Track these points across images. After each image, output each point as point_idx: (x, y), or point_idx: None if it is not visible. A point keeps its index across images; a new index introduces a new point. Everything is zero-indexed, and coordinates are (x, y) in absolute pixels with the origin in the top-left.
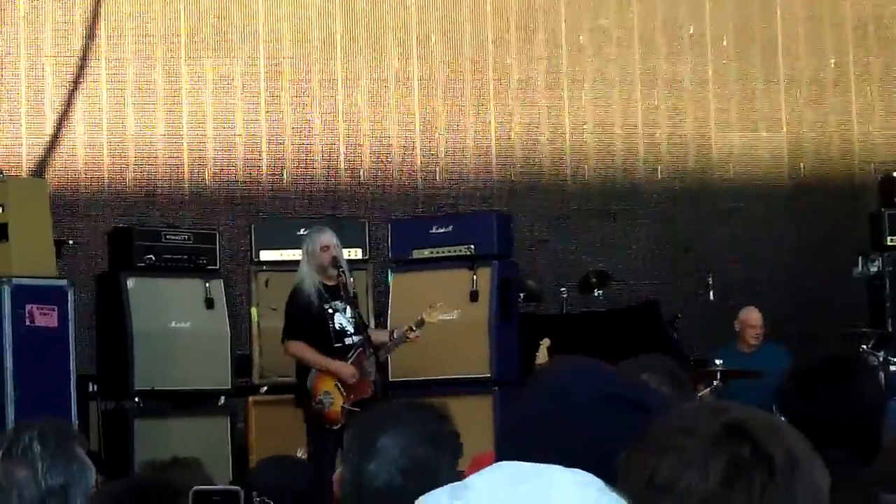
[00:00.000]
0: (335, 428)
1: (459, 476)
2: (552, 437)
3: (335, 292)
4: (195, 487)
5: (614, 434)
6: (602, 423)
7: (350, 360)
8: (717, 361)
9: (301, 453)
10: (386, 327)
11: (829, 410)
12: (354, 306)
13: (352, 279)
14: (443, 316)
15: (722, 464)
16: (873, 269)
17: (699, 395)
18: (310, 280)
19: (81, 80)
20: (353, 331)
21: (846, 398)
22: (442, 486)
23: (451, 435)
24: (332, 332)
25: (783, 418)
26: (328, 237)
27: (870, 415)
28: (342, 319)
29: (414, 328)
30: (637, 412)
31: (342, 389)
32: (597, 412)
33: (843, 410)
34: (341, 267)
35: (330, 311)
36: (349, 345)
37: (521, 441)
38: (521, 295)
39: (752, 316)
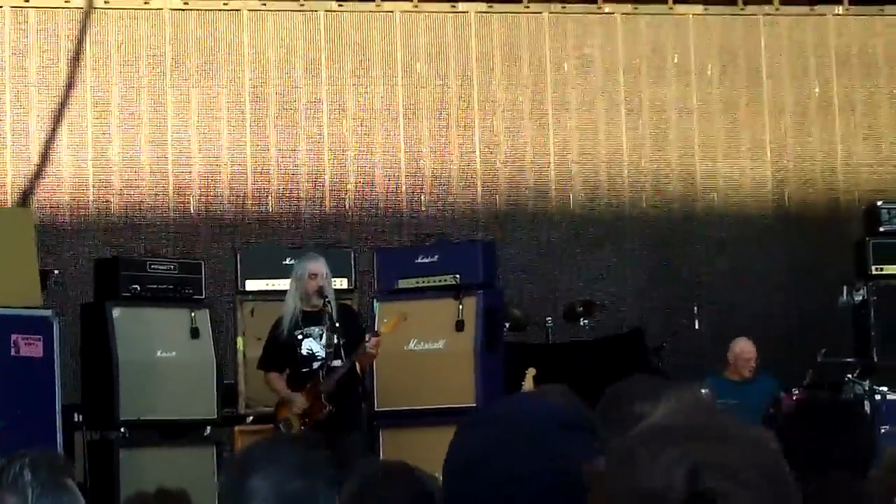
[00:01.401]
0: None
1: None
2: (505, 466)
3: (315, 318)
4: None
5: (554, 460)
6: (542, 450)
7: (308, 385)
8: (703, 391)
9: None
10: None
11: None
12: (335, 331)
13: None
14: (422, 344)
15: None
16: (858, 297)
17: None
18: (289, 305)
19: (66, 108)
20: (324, 356)
21: (846, 444)
22: None
23: (324, 462)
24: (300, 358)
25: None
26: (318, 265)
27: (864, 459)
28: (312, 344)
29: (368, 339)
30: (593, 436)
31: (297, 415)
32: (537, 440)
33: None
34: (327, 297)
35: (300, 336)
36: (315, 370)
37: (456, 474)
38: (507, 324)
39: (746, 348)
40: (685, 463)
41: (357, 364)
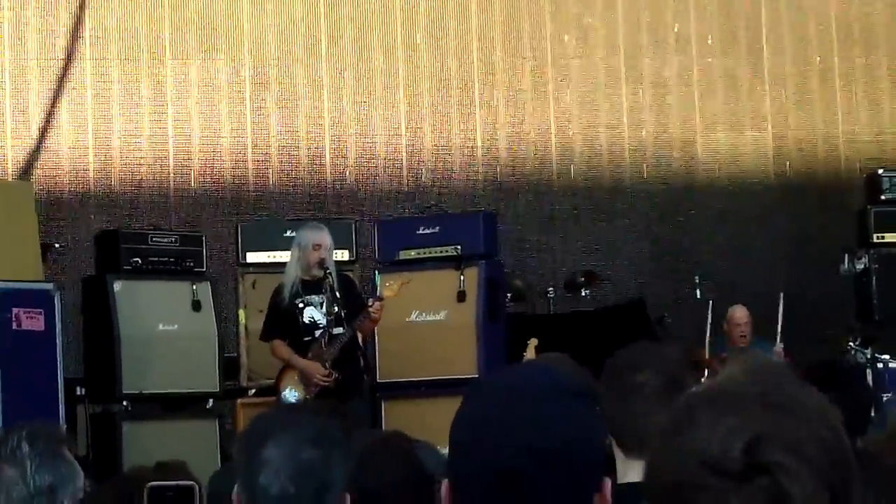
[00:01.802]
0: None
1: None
2: (495, 437)
3: (315, 287)
4: (150, 483)
5: (576, 426)
6: (552, 419)
7: (308, 354)
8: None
9: None
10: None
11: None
12: (335, 300)
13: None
14: (423, 315)
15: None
16: (859, 266)
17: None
18: (290, 274)
19: (66, 83)
20: (325, 323)
21: (844, 402)
22: (336, 485)
23: (335, 431)
24: (302, 325)
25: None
26: (322, 236)
27: (861, 417)
28: (314, 312)
29: (371, 303)
30: (591, 403)
31: (303, 382)
32: (547, 408)
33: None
34: (328, 268)
35: (301, 304)
36: (317, 338)
37: (466, 443)
38: (509, 295)
39: (736, 314)
40: (746, 432)
41: (359, 332)
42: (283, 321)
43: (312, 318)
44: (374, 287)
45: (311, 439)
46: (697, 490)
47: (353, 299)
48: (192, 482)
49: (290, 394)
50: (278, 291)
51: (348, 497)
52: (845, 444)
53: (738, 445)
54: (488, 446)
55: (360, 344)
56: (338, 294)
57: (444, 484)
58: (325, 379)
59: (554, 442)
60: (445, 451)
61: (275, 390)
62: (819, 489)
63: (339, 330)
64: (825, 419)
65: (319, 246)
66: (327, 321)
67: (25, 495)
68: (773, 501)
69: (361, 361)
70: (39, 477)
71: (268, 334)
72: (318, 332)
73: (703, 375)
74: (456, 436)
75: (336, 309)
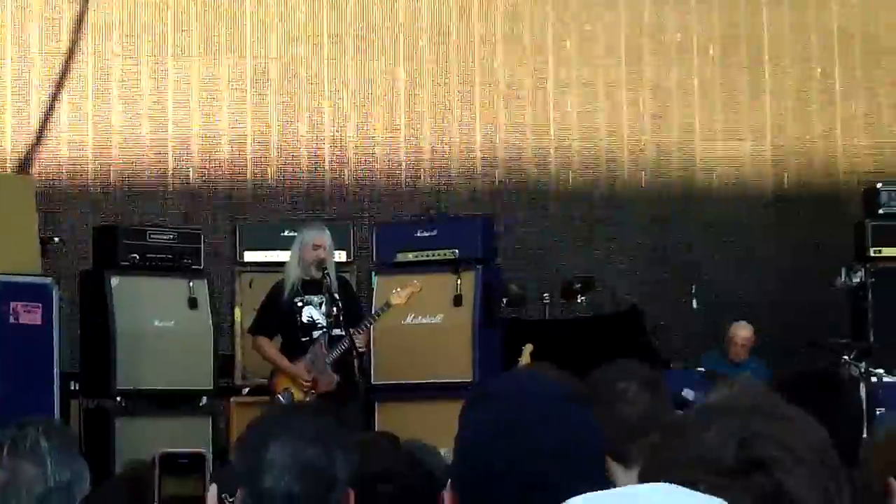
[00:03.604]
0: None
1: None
2: (513, 441)
3: (315, 287)
4: (161, 451)
5: (575, 432)
6: (563, 422)
7: (307, 355)
8: (700, 369)
9: None
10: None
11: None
12: (334, 302)
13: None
14: (419, 318)
15: (749, 502)
16: (856, 279)
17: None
18: (291, 273)
19: (67, 77)
20: (324, 324)
21: (829, 414)
22: (340, 484)
23: (336, 428)
24: (300, 325)
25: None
26: (322, 236)
27: (852, 427)
28: (313, 312)
29: (380, 312)
30: (589, 408)
31: (302, 385)
32: (557, 412)
33: (826, 425)
34: (326, 269)
35: (300, 304)
36: (317, 338)
37: (481, 449)
38: (505, 300)
39: (738, 333)
40: (739, 432)
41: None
42: (278, 318)
43: (311, 317)
44: (371, 289)
45: (313, 438)
46: (694, 488)
47: (350, 302)
48: (202, 450)
49: (286, 395)
50: (278, 287)
51: (352, 493)
52: (834, 455)
53: (732, 443)
54: (504, 450)
55: (360, 348)
56: (336, 295)
57: (448, 496)
58: (306, 385)
59: (567, 443)
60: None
61: (269, 391)
62: (812, 487)
63: (338, 332)
64: (816, 428)
65: (319, 246)
66: (327, 322)
67: (44, 492)
68: (769, 498)
69: (356, 365)
70: (59, 474)
71: (257, 328)
72: (316, 333)
73: None
74: (466, 441)
75: (336, 311)
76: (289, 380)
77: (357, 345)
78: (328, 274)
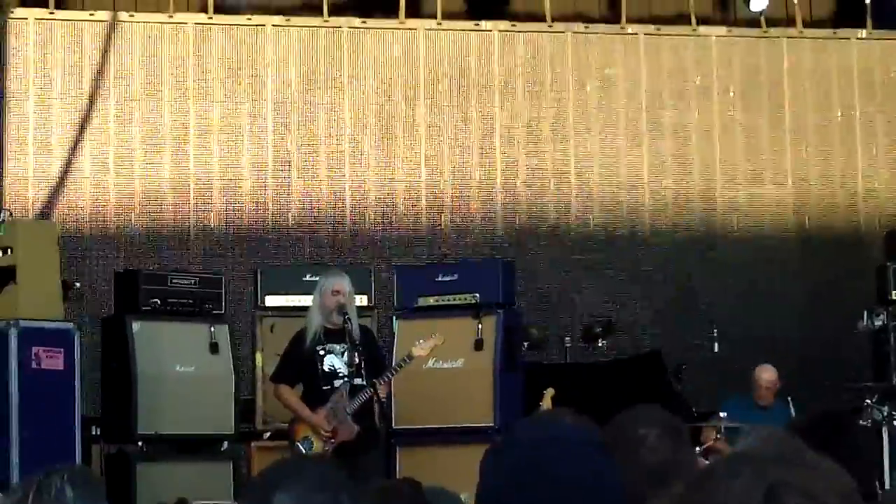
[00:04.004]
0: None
1: None
2: (536, 488)
3: (338, 336)
4: (180, 500)
5: (595, 478)
6: (584, 468)
7: (328, 404)
8: (722, 414)
9: None
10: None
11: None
12: (356, 351)
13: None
14: (440, 363)
15: None
16: (878, 322)
17: (705, 445)
18: (313, 320)
19: (89, 121)
20: (346, 373)
21: (838, 453)
22: None
23: (342, 476)
24: (321, 374)
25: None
26: (341, 282)
27: (864, 467)
28: (335, 361)
29: (401, 364)
30: (609, 454)
31: (322, 436)
32: (577, 458)
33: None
34: (346, 315)
35: (321, 352)
36: (338, 387)
37: (503, 496)
38: (526, 343)
39: (763, 375)
40: (764, 482)
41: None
42: (299, 366)
43: (333, 366)
44: (393, 334)
45: (319, 485)
46: None
47: (373, 350)
48: (224, 502)
49: (306, 444)
50: (300, 335)
51: None
52: (859, 500)
53: (758, 493)
54: (525, 496)
55: (380, 395)
56: (358, 344)
57: None
58: (326, 435)
59: (588, 489)
60: (464, 497)
61: (289, 439)
62: None
63: (358, 381)
64: (842, 476)
65: (338, 291)
66: (349, 372)
67: None
68: None
69: (377, 410)
70: None
71: (278, 376)
72: (337, 382)
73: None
74: (488, 487)
75: (358, 360)
76: (309, 428)
77: (379, 395)
78: (350, 320)
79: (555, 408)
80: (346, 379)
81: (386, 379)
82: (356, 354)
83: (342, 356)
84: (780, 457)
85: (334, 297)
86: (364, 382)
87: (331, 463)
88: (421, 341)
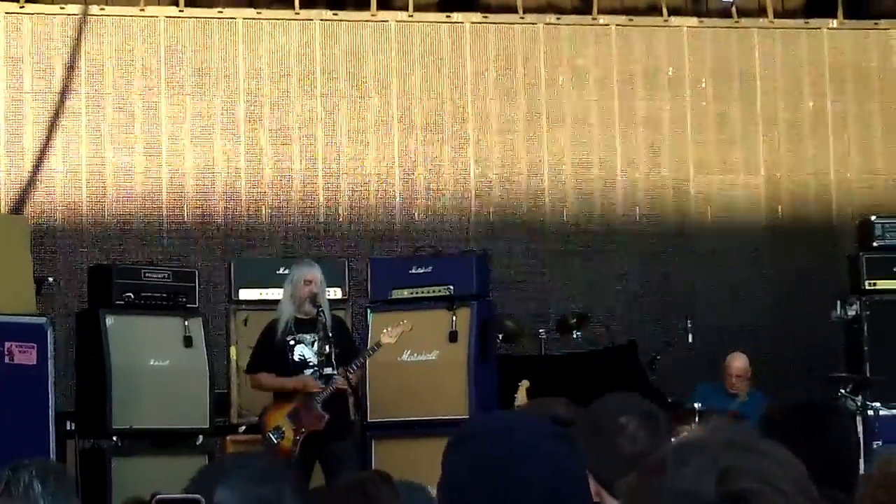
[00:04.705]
0: (292, 463)
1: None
2: (497, 480)
3: (309, 326)
4: (158, 496)
5: (558, 469)
6: (546, 460)
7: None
8: (696, 405)
9: None
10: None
11: (806, 455)
12: (328, 341)
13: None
14: (415, 355)
15: None
16: (851, 312)
17: (679, 434)
18: (284, 311)
19: (60, 116)
20: (316, 363)
21: (821, 444)
22: None
23: (283, 468)
24: (291, 363)
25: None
26: (312, 272)
27: (846, 456)
28: (305, 351)
29: (370, 352)
30: (571, 444)
31: (292, 423)
32: (537, 449)
33: (819, 455)
34: (319, 306)
35: (292, 342)
36: (307, 377)
37: (463, 490)
38: (500, 336)
39: (733, 364)
40: (717, 467)
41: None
42: (271, 357)
43: (303, 356)
44: (367, 326)
45: (261, 477)
46: None
47: (345, 341)
48: (198, 496)
49: (277, 434)
50: (271, 327)
51: None
52: (811, 485)
53: (710, 477)
54: (485, 489)
55: (352, 385)
56: (330, 333)
57: None
58: (318, 387)
59: (548, 479)
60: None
61: (260, 428)
62: None
63: (329, 370)
64: (795, 463)
65: (310, 281)
66: (318, 361)
67: None
68: None
69: (352, 402)
70: None
71: (253, 367)
72: (307, 371)
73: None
74: (448, 482)
75: (328, 349)
76: (281, 416)
77: (350, 382)
78: (322, 311)
79: (538, 399)
80: (315, 368)
81: (355, 367)
82: (327, 344)
83: (312, 346)
84: (731, 443)
85: (306, 286)
86: (334, 372)
87: (273, 457)
88: (389, 328)
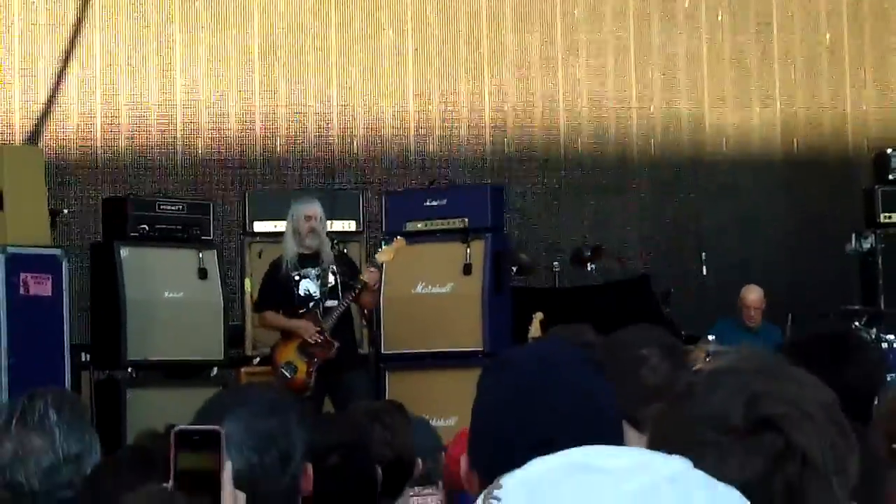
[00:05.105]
0: (307, 396)
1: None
2: (532, 406)
3: (312, 260)
4: (177, 427)
5: (590, 396)
6: (578, 387)
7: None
8: (710, 337)
9: None
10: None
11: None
12: (331, 272)
13: (344, 249)
14: (429, 288)
15: (759, 459)
16: (866, 245)
17: (694, 368)
18: (288, 247)
19: (74, 48)
20: (320, 296)
21: (841, 375)
22: (297, 453)
23: (288, 400)
24: (297, 298)
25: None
26: (312, 208)
27: (869, 390)
28: (310, 285)
29: (365, 272)
30: (602, 373)
31: (303, 356)
32: (572, 377)
33: (839, 387)
34: (335, 239)
35: (297, 277)
36: (311, 309)
37: (496, 414)
38: (514, 268)
39: (748, 296)
40: (746, 392)
41: (361, 304)
42: (278, 293)
43: (308, 290)
44: None
45: (266, 410)
46: (703, 448)
47: (349, 271)
48: (217, 427)
49: (289, 368)
50: (276, 264)
51: (310, 467)
52: (839, 411)
53: (739, 402)
54: (517, 414)
55: (365, 315)
56: (333, 265)
57: (462, 460)
58: (316, 337)
59: (582, 407)
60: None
61: (271, 364)
62: (822, 443)
63: (332, 302)
64: (819, 386)
65: (310, 217)
66: (321, 293)
67: (53, 463)
68: (779, 454)
69: (367, 334)
70: (68, 445)
71: (261, 305)
72: (311, 304)
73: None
74: (482, 406)
75: (332, 281)
76: (291, 351)
77: (352, 293)
78: (337, 243)
79: (572, 325)
80: (317, 300)
81: (355, 291)
82: (330, 275)
83: (316, 279)
84: (760, 369)
85: (307, 222)
86: (337, 303)
87: (278, 388)
88: (384, 246)
